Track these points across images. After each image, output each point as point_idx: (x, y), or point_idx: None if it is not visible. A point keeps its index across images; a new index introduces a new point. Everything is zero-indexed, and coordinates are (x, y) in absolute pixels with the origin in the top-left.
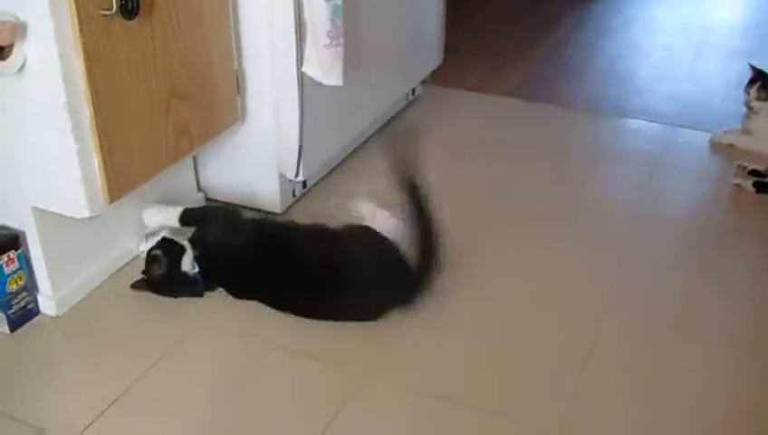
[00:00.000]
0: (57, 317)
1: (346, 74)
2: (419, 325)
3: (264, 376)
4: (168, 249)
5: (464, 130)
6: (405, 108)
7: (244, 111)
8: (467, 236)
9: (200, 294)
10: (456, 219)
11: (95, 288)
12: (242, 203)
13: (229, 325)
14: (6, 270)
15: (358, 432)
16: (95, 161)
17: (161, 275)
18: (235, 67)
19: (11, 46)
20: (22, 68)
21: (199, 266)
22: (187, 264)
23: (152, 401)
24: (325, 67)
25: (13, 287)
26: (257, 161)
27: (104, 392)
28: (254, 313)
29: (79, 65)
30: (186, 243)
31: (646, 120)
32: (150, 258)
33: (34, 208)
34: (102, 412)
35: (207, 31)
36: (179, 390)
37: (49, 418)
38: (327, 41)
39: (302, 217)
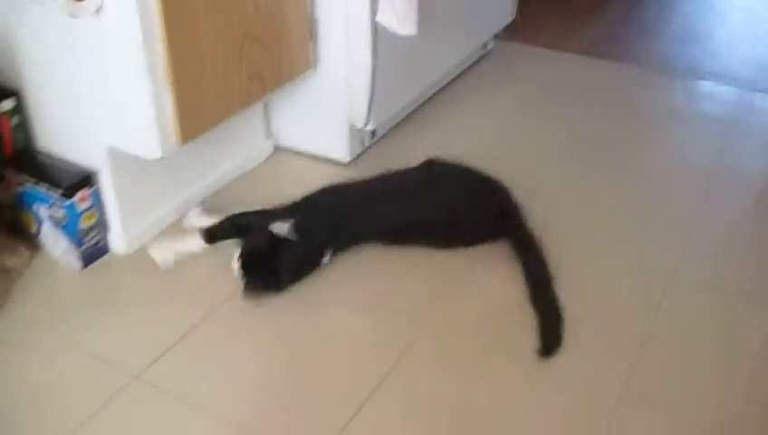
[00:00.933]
0: (126, 256)
1: (419, 25)
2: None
3: (326, 327)
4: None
5: (534, 88)
6: (476, 62)
7: (316, 58)
8: (536, 195)
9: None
10: (524, 177)
11: (165, 228)
12: (310, 151)
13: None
14: (79, 208)
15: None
16: (168, 102)
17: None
18: (309, 14)
19: None
20: (99, 9)
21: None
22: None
23: (212, 346)
24: (399, 16)
25: (85, 225)
26: (327, 109)
27: (167, 333)
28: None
29: (155, 6)
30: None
31: (721, 82)
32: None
33: (109, 148)
34: (163, 353)
35: None
36: (238, 337)
37: (113, 353)
38: None
39: (370, 167)
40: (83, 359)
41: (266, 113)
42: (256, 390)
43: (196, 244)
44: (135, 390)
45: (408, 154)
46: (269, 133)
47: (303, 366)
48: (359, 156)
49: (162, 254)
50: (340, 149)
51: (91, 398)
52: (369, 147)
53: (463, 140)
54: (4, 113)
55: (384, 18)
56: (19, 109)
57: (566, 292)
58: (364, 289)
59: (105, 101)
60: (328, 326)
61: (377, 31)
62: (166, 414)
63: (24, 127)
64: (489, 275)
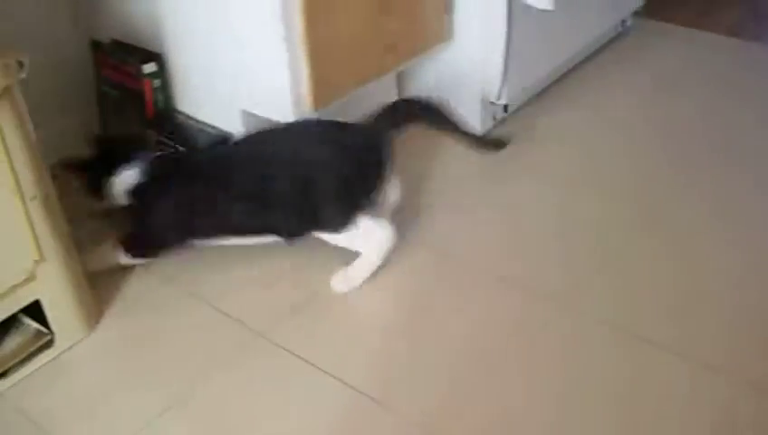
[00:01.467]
0: None
1: None
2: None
3: (459, 294)
4: None
5: (673, 68)
6: (614, 39)
7: (451, 30)
8: (669, 177)
9: None
10: (659, 160)
11: None
12: None
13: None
14: None
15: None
16: (303, 69)
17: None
18: None
19: None
20: None
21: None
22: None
23: (332, 309)
24: None
25: None
26: (460, 82)
27: (294, 293)
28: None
29: None
30: None
31: None
32: None
33: (243, 112)
34: (289, 314)
35: None
36: (364, 301)
37: (242, 309)
38: None
39: None
40: (212, 314)
41: (399, 83)
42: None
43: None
44: (261, 347)
45: (539, 130)
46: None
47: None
48: (489, 130)
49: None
50: (471, 123)
51: (217, 352)
52: (501, 121)
53: (597, 118)
54: (146, 76)
55: None
56: (161, 72)
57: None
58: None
59: (242, 65)
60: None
61: (513, 3)
62: (290, 373)
63: (164, 89)
64: None
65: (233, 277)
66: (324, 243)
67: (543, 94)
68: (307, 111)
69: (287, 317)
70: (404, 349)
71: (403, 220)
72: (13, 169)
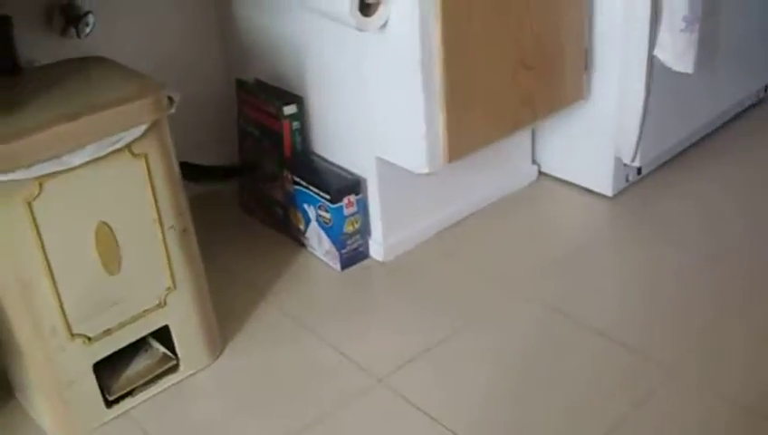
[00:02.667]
0: (383, 263)
1: (696, 63)
2: None
3: (567, 354)
4: None
5: None
6: (753, 105)
7: (588, 89)
8: None
9: None
10: None
11: (422, 242)
12: (573, 181)
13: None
14: (346, 212)
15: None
16: (440, 120)
17: None
18: (585, 44)
19: (377, 4)
20: (384, 25)
21: None
22: None
23: (454, 361)
24: (678, 52)
25: (349, 229)
26: (594, 141)
27: (415, 341)
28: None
29: (437, 27)
30: None
31: None
32: None
33: (378, 159)
34: (410, 360)
35: (562, 8)
36: (480, 357)
37: (361, 355)
38: (683, 25)
39: (632, 203)
40: (333, 355)
41: (533, 138)
42: (494, 412)
43: None
44: (377, 393)
45: (672, 196)
46: (534, 159)
47: (549, 383)
48: (622, 191)
49: None
50: (603, 183)
51: (330, 396)
52: (634, 183)
53: (727, 190)
54: (286, 117)
55: (661, 53)
56: (300, 114)
57: None
58: None
59: (380, 113)
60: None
61: (652, 65)
62: (403, 421)
63: (303, 132)
64: None
65: (356, 320)
66: (442, 293)
67: (677, 160)
68: (441, 163)
69: (408, 364)
70: (512, 408)
71: (514, 277)
72: (156, 199)
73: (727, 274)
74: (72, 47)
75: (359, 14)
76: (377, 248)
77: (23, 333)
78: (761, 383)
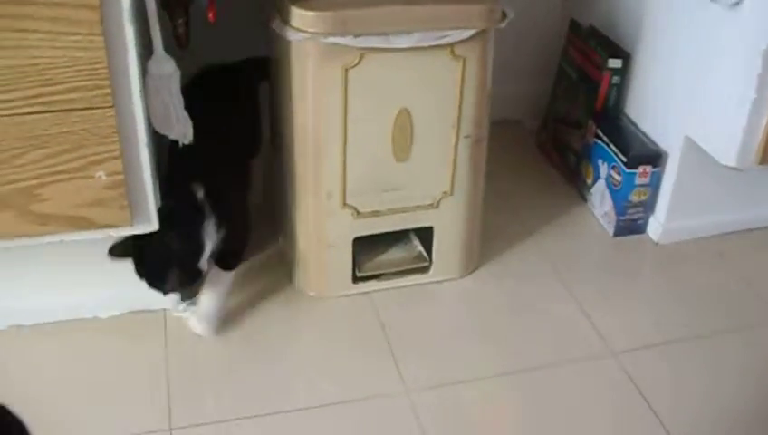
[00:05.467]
0: (657, 244)
1: None
2: None
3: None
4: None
5: None
6: None
7: None
8: None
9: None
10: None
11: (702, 236)
12: None
13: None
14: (637, 181)
15: None
16: (765, 118)
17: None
18: None
19: None
20: (738, 3)
21: None
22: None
23: (695, 363)
24: None
25: (634, 198)
26: None
27: (664, 329)
28: None
29: None
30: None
31: None
32: None
33: (686, 137)
34: (651, 346)
35: None
36: (722, 368)
37: (607, 323)
38: None
39: None
40: (577, 314)
41: None
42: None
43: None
44: (605, 365)
45: None
46: None
47: None
48: None
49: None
50: None
51: (558, 350)
52: None
53: None
54: (609, 69)
55: None
56: (622, 71)
57: None
58: None
59: (702, 91)
60: None
61: None
62: (621, 400)
63: (619, 89)
64: None
65: (611, 289)
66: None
67: None
68: (751, 162)
69: (647, 349)
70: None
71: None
72: (461, 104)
73: None
74: None
75: None
76: (655, 227)
77: (302, 189)
78: None
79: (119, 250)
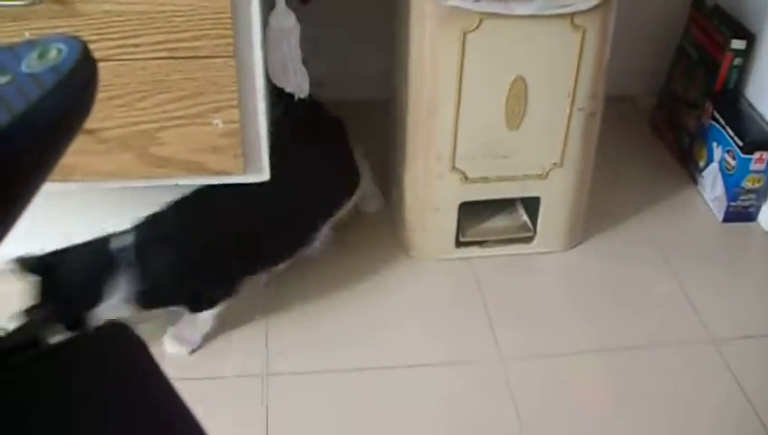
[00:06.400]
0: (766, 233)
1: None
2: None
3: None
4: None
5: None
6: None
7: None
8: None
9: None
10: None
11: None
12: None
13: None
14: (753, 166)
15: None
16: None
17: None
18: None
19: None
20: None
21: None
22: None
23: None
24: None
25: (747, 184)
26: None
27: None
28: None
29: None
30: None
31: None
32: None
33: None
34: (754, 336)
35: None
36: None
37: (709, 309)
38: None
39: None
40: (680, 298)
41: None
42: None
43: None
44: (703, 351)
45: None
46: None
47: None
48: None
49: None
50: None
51: (656, 332)
52: None
53: None
54: (731, 50)
55: None
56: (745, 53)
57: None
58: None
59: None
60: None
61: None
62: (715, 385)
63: (740, 71)
64: None
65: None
66: None
67: None
68: None
69: (750, 339)
70: None
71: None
72: (578, 76)
73: None
74: None
75: None
76: (766, 216)
77: (412, 150)
78: None
79: (26, 265)
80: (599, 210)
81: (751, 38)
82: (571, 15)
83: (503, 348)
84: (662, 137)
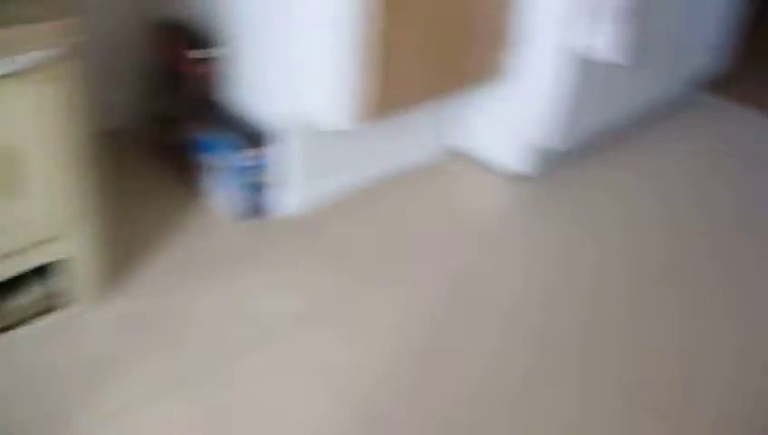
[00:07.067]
0: (288, 218)
1: (620, 55)
2: None
3: (467, 328)
4: None
5: (730, 151)
6: (674, 112)
7: (510, 68)
8: (695, 249)
9: None
10: (690, 230)
11: (338, 200)
12: (485, 160)
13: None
14: (251, 163)
15: None
16: (360, 80)
17: None
18: (510, 24)
19: None
20: None
21: None
22: None
23: (354, 323)
24: (609, 43)
25: (251, 181)
26: (512, 121)
27: (313, 296)
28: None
29: None
30: None
31: None
32: None
33: (292, 112)
34: (303, 315)
35: None
36: (381, 320)
37: (256, 306)
38: (616, 16)
39: (540, 187)
40: (229, 304)
41: (451, 112)
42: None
43: None
44: (271, 345)
45: (589, 184)
46: (449, 133)
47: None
48: (532, 176)
49: None
50: (515, 164)
51: (219, 346)
52: (547, 168)
53: (638, 187)
54: (198, 60)
55: (593, 42)
56: (213, 59)
57: None
58: None
59: (298, 65)
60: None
61: (575, 53)
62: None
63: (214, 77)
64: None
65: (255, 275)
66: (346, 249)
67: (592, 151)
68: (353, 123)
69: (301, 318)
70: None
71: (421, 245)
72: (62, 129)
73: (641, 267)
74: None
75: None
76: (282, 202)
77: None
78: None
79: None
80: (123, 253)
81: (215, 47)
82: (25, 73)
83: None
84: (164, 158)
